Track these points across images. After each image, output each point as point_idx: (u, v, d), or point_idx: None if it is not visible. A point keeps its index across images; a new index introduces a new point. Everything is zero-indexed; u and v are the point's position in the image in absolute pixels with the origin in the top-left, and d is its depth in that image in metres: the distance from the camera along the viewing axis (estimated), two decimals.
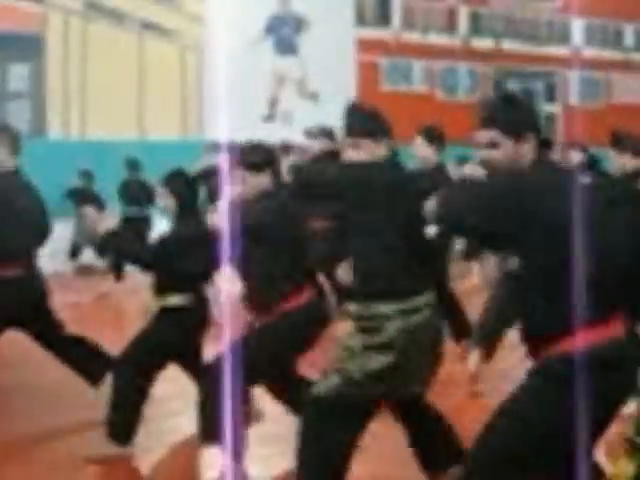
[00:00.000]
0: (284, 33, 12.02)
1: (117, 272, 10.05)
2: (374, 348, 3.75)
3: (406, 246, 3.84)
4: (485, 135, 3.21)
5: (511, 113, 3.26)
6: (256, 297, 4.47)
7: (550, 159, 4.36)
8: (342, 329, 3.97)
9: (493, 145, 3.19)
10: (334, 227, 5.37)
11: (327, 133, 7.31)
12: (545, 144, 7.29)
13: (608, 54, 15.44)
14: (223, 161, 4.59)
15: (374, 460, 4.47)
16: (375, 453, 4.40)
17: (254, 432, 4.70)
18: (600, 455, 3.27)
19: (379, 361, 3.75)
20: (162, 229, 5.08)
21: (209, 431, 4.38)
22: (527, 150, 3.21)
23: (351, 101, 4.24)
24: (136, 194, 10.12)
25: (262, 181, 4.44)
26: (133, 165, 10.15)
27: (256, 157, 4.49)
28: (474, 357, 5.72)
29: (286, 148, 7.64)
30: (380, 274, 3.85)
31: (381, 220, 3.80)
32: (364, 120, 3.97)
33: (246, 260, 4.30)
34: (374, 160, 3.94)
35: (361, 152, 3.87)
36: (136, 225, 9.98)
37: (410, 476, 4.20)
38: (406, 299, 3.81)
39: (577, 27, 15.08)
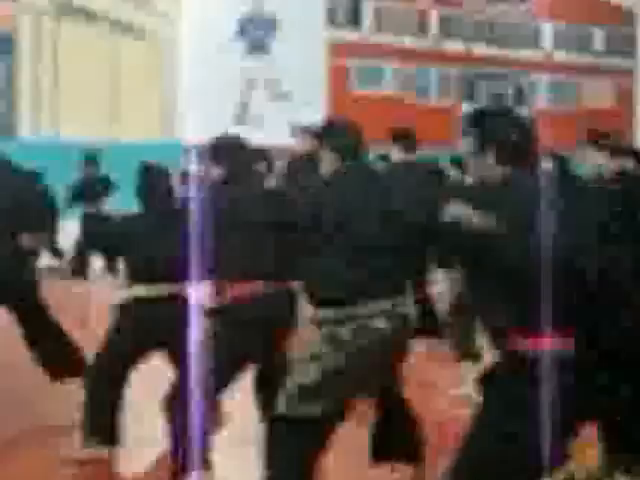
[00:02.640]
0: (255, 35, 12.10)
1: (80, 273, 10.08)
2: (310, 358, 3.77)
3: (361, 256, 3.80)
4: (467, 144, 3.23)
5: (490, 123, 3.23)
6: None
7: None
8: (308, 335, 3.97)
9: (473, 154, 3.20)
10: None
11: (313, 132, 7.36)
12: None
13: (577, 58, 15.65)
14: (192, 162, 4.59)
15: (347, 454, 4.46)
16: (348, 447, 4.36)
17: (222, 436, 4.67)
18: None
19: (349, 364, 3.74)
20: None
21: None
22: (488, 165, 3.18)
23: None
24: (94, 190, 10.05)
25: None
26: (91, 161, 10.05)
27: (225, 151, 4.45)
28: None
29: (260, 153, 7.63)
30: (335, 281, 3.82)
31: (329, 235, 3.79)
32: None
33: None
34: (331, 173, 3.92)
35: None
36: (94, 221, 9.97)
37: (383, 470, 4.25)
38: (359, 304, 3.79)
39: (547, 31, 15.26)
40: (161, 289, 4.69)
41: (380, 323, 3.82)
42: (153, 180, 4.79)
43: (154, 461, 4.60)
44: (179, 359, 4.60)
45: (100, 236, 4.90)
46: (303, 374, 3.75)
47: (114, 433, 4.56)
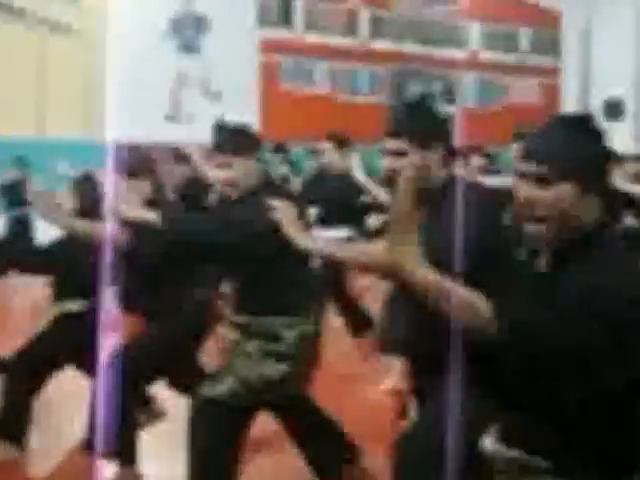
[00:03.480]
0: (187, 33, 12.09)
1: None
2: (273, 356, 3.79)
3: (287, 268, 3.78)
4: (393, 144, 3.10)
5: (418, 122, 3.15)
6: (146, 301, 4.41)
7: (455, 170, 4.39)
8: (231, 333, 4.00)
9: (400, 154, 3.09)
10: None
11: None
12: (449, 152, 7.54)
13: (504, 57, 15.93)
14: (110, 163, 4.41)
15: (279, 452, 4.52)
16: (279, 445, 4.44)
17: (154, 431, 4.72)
18: None
19: (277, 369, 3.78)
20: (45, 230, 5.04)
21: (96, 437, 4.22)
22: (436, 160, 3.12)
23: (219, 118, 4.17)
24: (23, 193, 9.72)
25: (142, 185, 4.36)
26: (21, 163, 9.93)
27: (134, 161, 4.39)
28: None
29: (180, 156, 7.60)
30: (270, 292, 3.83)
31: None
32: (232, 136, 3.89)
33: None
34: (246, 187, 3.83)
35: (232, 171, 3.81)
36: (22, 226, 9.86)
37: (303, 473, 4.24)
38: (296, 311, 3.84)
39: (474, 31, 15.50)
40: (86, 304, 4.70)
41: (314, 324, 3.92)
42: (83, 194, 4.74)
43: (64, 461, 4.57)
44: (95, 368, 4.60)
45: (25, 256, 4.88)
46: (271, 368, 3.79)
47: (24, 435, 4.52)
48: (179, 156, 7.28)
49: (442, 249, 2.65)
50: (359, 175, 6.45)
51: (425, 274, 2.06)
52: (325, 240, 3.56)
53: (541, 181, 2.19)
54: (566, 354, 2.02)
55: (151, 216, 4.10)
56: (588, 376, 2.02)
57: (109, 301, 4.81)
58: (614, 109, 15.22)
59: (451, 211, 2.67)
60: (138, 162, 4.41)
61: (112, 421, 4.04)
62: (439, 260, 2.22)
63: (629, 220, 5.70)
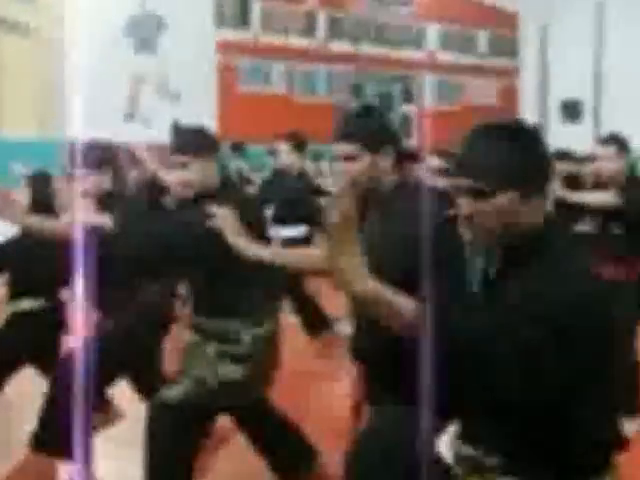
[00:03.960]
0: (144, 33, 12.07)
1: None
2: (230, 358, 3.79)
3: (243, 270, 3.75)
4: (343, 148, 3.15)
5: (369, 126, 3.19)
6: (107, 300, 4.38)
7: (412, 176, 4.41)
8: (188, 334, 3.99)
9: (351, 158, 3.14)
10: None
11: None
12: (410, 157, 7.61)
13: (462, 59, 16.06)
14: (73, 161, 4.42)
15: (237, 456, 4.52)
16: (238, 449, 4.44)
17: (110, 433, 4.74)
18: None
19: (234, 371, 3.78)
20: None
21: (47, 436, 4.31)
22: (386, 164, 3.17)
23: (176, 119, 4.15)
24: None
25: (103, 180, 4.37)
26: None
27: (94, 155, 4.36)
28: None
29: (133, 159, 7.56)
30: (224, 293, 3.83)
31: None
32: (190, 137, 3.89)
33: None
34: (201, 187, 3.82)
35: (189, 172, 3.80)
36: None
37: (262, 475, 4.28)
38: (253, 314, 3.85)
39: (432, 33, 15.61)
40: (41, 303, 4.76)
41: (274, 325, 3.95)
42: (37, 191, 4.78)
43: (22, 461, 4.51)
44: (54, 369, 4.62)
45: None
46: (229, 370, 3.79)
47: None
48: (130, 158, 7.28)
49: (388, 253, 2.79)
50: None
51: (365, 286, 2.05)
52: (267, 246, 3.59)
53: (480, 194, 2.21)
54: (507, 358, 2.02)
55: (104, 220, 4.15)
56: (530, 379, 2.02)
57: (68, 298, 4.86)
58: (572, 110, 15.39)
59: (401, 215, 2.72)
60: (99, 156, 4.39)
61: (68, 421, 4.06)
62: (385, 265, 2.29)
63: (580, 226, 5.77)
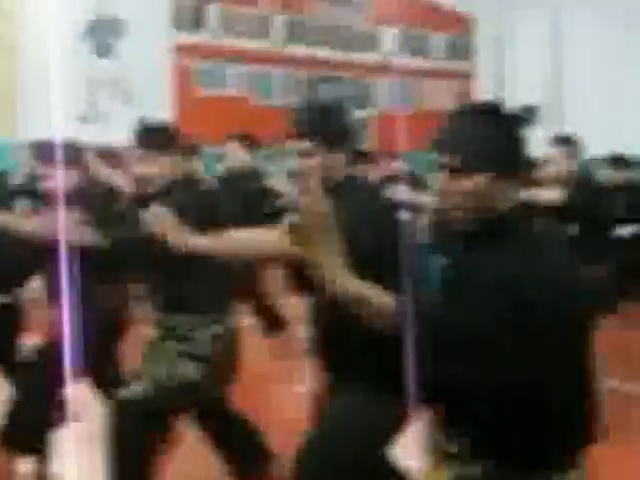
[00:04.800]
0: (101, 36, 12.12)
1: None
2: (186, 356, 3.86)
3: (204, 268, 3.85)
4: (298, 145, 3.20)
5: (324, 123, 3.22)
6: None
7: (361, 174, 4.51)
8: (150, 333, 4.08)
9: (306, 155, 3.18)
10: None
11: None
12: (362, 155, 7.81)
13: (418, 62, 16.12)
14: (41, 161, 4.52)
15: (185, 458, 4.64)
16: (186, 451, 4.55)
17: (69, 431, 4.59)
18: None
19: (191, 370, 3.85)
20: None
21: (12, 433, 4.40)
22: (341, 161, 3.23)
23: (140, 117, 4.30)
24: None
25: (71, 176, 4.48)
26: None
27: (64, 153, 4.46)
28: None
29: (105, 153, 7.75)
30: (184, 292, 3.93)
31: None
32: (152, 133, 4.00)
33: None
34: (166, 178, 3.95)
35: (150, 166, 3.94)
36: None
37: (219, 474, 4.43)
38: (210, 312, 3.94)
39: (387, 36, 15.72)
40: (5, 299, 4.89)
41: (218, 329, 4.00)
42: None
43: None
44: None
45: None
46: (187, 369, 3.88)
47: None
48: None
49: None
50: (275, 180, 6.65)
51: (346, 284, 2.15)
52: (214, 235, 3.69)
53: (455, 172, 2.29)
54: (474, 340, 2.07)
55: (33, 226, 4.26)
56: (500, 361, 2.08)
57: (27, 295, 4.98)
58: (528, 115, 15.56)
59: (344, 209, 2.72)
60: (66, 153, 4.51)
61: (30, 417, 4.23)
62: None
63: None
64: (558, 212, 5.74)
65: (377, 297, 2.18)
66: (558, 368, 2.15)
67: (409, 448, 2.79)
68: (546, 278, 2.12)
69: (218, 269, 4.04)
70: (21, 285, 5.07)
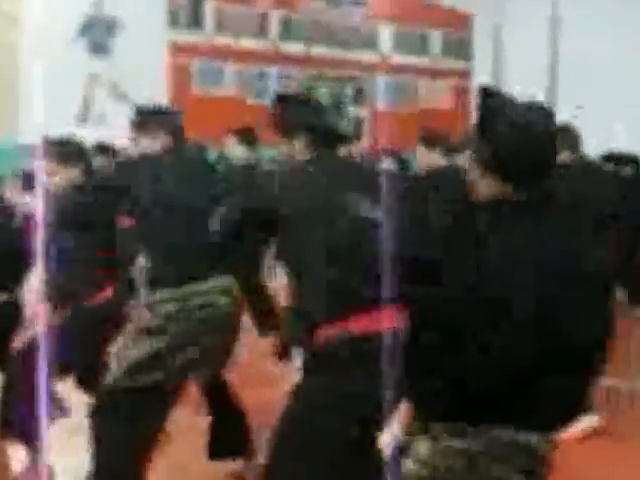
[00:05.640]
0: (97, 35, 12.18)
1: None
2: (146, 332, 3.86)
3: (186, 237, 3.90)
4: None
5: (283, 113, 3.49)
6: (60, 292, 4.52)
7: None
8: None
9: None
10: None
11: None
12: (343, 139, 7.86)
13: (415, 60, 16.15)
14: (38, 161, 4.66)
15: (186, 443, 4.73)
16: (187, 437, 4.65)
17: (61, 425, 4.83)
18: None
19: (149, 346, 3.83)
20: None
21: (8, 425, 4.46)
22: (299, 149, 3.44)
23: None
24: None
25: (72, 174, 4.52)
26: None
27: (66, 150, 4.55)
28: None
29: (101, 148, 7.94)
30: (153, 265, 3.92)
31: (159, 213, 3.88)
32: (152, 115, 4.15)
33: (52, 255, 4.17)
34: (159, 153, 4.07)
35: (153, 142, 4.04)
36: None
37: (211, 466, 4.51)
38: (181, 286, 3.89)
39: (384, 34, 15.72)
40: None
41: (220, 300, 4.00)
42: None
43: None
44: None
45: None
46: (138, 348, 3.86)
47: None
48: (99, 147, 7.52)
49: None
50: None
51: None
52: None
53: None
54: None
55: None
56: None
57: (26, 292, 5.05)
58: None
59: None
60: (69, 150, 4.58)
61: (26, 412, 4.31)
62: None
63: None
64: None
65: None
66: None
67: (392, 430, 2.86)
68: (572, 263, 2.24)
69: (195, 244, 4.04)
70: (19, 282, 5.14)
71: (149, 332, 3.88)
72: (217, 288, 4.03)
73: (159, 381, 3.87)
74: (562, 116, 3.32)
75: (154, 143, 4.20)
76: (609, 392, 6.12)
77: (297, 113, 3.51)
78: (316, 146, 3.45)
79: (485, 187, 2.42)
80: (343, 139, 3.59)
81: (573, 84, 14.77)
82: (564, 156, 5.87)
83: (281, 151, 3.49)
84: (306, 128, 3.44)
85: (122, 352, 3.92)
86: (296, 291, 3.31)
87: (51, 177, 4.51)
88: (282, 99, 3.62)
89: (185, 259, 3.98)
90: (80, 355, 4.50)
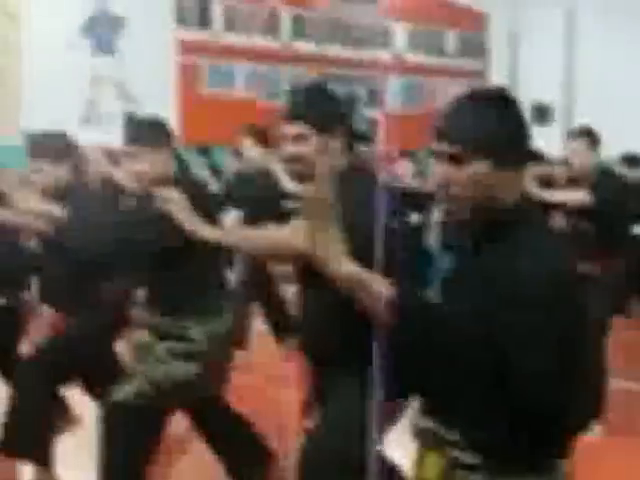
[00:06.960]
0: (102, 34, 12.04)
1: None
2: (181, 356, 3.91)
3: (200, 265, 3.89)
4: (292, 129, 3.14)
5: (320, 106, 3.18)
6: (62, 298, 4.55)
7: (362, 161, 4.50)
8: (141, 334, 4.12)
9: (300, 140, 3.12)
10: None
11: None
12: (363, 138, 7.78)
13: (430, 60, 16.09)
14: None
15: (195, 465, 4.74)
16: (196, 458, 4.64)
17: (70, 437, 4.88)
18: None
19: (186, 370, 3.90)
20: None
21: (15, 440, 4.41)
22: (337, 145, 3.16)
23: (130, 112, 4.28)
24: None
25: (60, 172, 4.44)
26: None
27: (53, 145, 4.45)
28: None
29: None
30: (178, 292, 3.94)
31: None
32: (144, 128, 3.96)
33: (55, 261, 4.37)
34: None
35: (145, 163, 3.88)
36: None
37: None
38: (207, 311, 3.96)
39: (399, 33, 15.64)
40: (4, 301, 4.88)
41: (230, 321, 4.06)
42: None
43: None
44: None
45: None
46: (180, 369, 3.90)
47: None
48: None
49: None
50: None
51: (346, 271, 2.13)
52: (226, 228, 3.67)
53: (455, 160, 2.24)
54: (480, 335, 2.08)
55: (54, 209, 4.25)
56: (499, 354, 2.08)
57: (27, 297, 4.96)
58: (542, 113, 15.51)
59: (347, 200, 2.67)
60: (57, 146, 4.47)
61: (32, 422, 4.20)
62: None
63: (557, 221, 5.89)
64: (580, 211, 5.74)
65: (376, 283, 2.15)
66: (557, 364, 2.12)
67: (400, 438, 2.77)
68: (551, 273, 2.11)
69: (213, 268, 4.09)
70: (20, 287, 5.04)
71: (186, 357, 3.91)
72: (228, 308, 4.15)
73: (184, 402, 4.04)
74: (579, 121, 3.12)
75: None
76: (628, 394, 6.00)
77: (338, 106, 3.27)
78: (349, 147, 3.24)
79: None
80: (363, 140, 3.42)
81: (590, 85, 14.75)
82: (588, 158, 5.79)
83: (290, 150, 3.18)
84: (345, 123, 3.23)
85: (150, 371, 3.92)
86: None
87: (35, 175, 4.43)
88: (319, 91, 3.32)
89: (214, 284, 4.08)
90: (88, 361, 4.56)
